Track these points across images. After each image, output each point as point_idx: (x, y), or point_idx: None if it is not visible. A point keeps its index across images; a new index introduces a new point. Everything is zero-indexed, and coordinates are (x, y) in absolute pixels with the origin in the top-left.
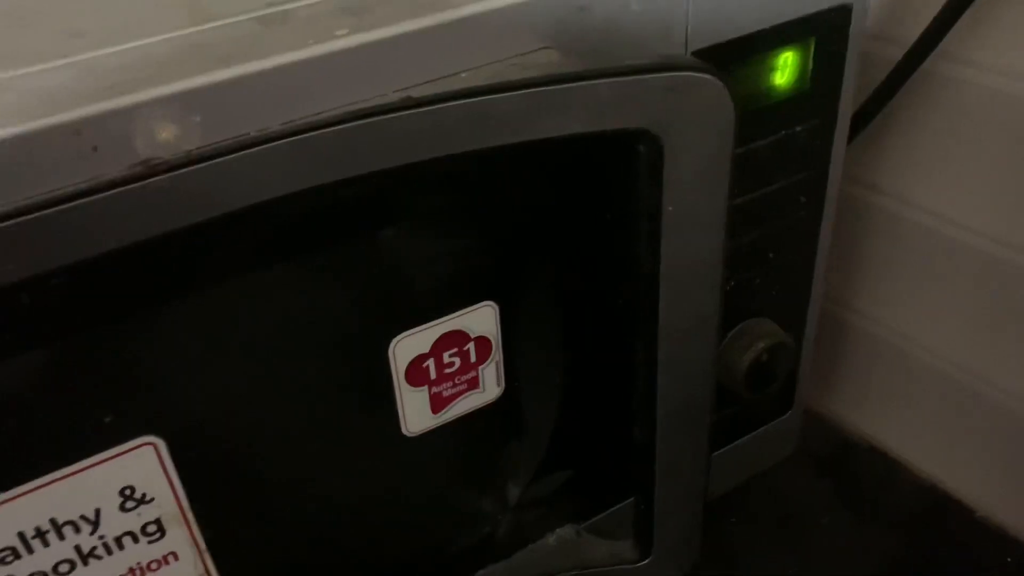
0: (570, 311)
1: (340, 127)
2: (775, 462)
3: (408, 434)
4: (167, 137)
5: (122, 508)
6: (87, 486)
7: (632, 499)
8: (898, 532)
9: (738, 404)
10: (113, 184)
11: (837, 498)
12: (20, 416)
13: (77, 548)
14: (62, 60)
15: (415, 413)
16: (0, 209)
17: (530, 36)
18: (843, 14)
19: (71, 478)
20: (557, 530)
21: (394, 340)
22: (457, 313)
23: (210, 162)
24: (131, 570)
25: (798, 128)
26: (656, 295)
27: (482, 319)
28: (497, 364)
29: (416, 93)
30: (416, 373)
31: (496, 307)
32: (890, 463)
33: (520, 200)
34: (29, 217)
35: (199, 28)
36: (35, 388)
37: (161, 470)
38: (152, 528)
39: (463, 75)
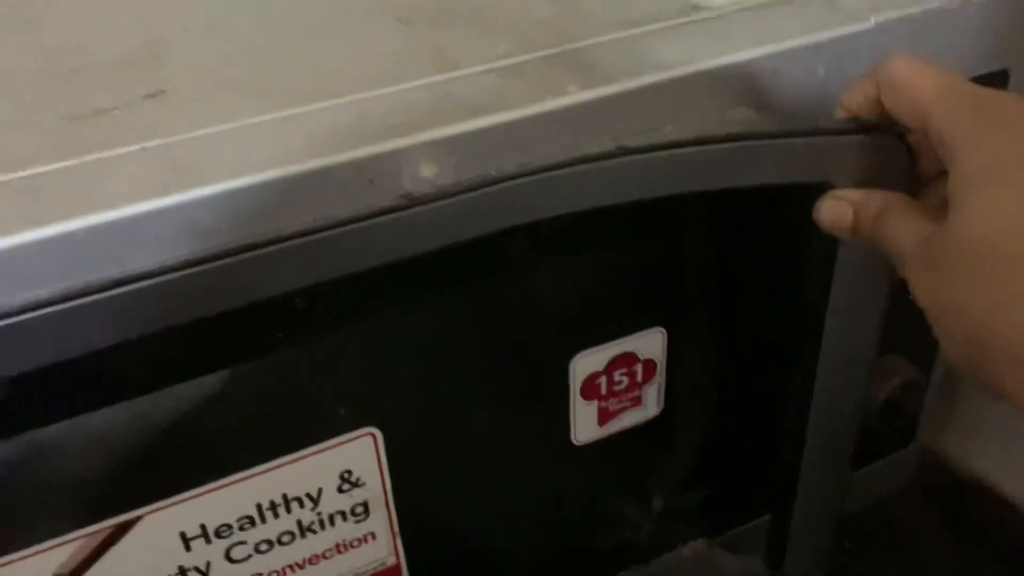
0: (733, 339)
1: (564, 171)
2: (891, 492)
3: (576, 443)
4: (427, 174)
5: (339, 489)
6: (316, 468)
7: (766, 516)
8: (1005, 567)
9: (866, 435)
10: (384, 211)
11: (946, 531)
12: (272, 404)
13: (299, 522)
14: (334, 100)
15: (584, 424)
16: (298, 228)
17: (729, 95)
18: (1001, 79)
19: (305, 460)
20: (691, 542)
21: (575, 357)
22: (630, 336)
23: (461, 196)
24: (337, 545)
25: None
26: (820, 330)
27: (651, 343)
28: (659, 385)
29: (630, 142)
30: (590, 388)
31: (665, 333)
32: (1001, 501)
33: (700, 236)
34: (322, 235)
35: (446, 77)
36: (291, 381)
37: (375, 458)
38: (359, 509)
39: (669, 128)
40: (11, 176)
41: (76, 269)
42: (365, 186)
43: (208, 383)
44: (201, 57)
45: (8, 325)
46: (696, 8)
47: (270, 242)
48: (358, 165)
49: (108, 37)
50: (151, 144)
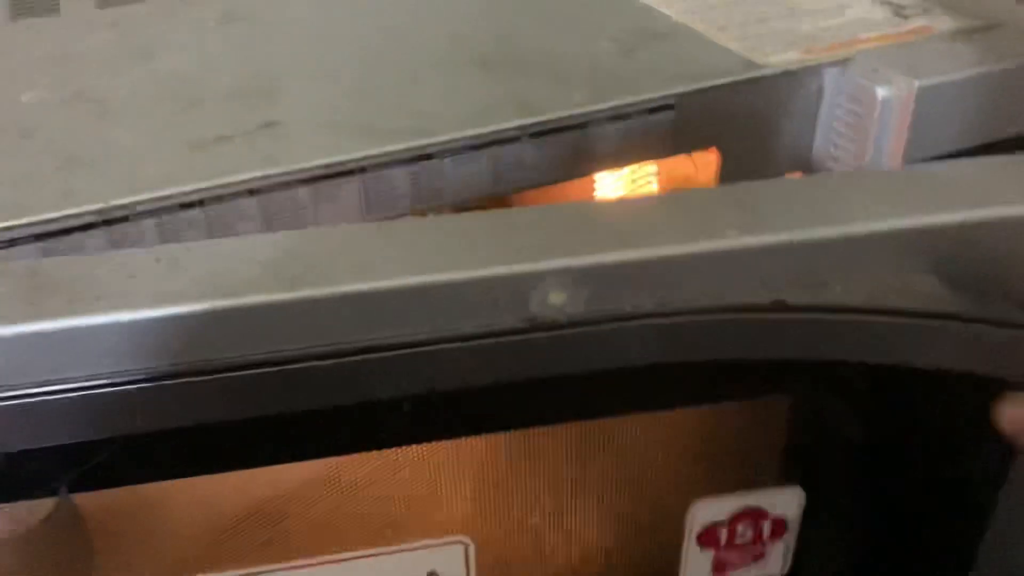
0: (878, 517)
1: (711, 317)
2: None
3: None
4: (557, 301)
5: None
6: (406, 563)
7: None
8: None
9: None
10: (508, 332)
11: None
12: (375, 495)
13: None
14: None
15: (696, 572)
16: (418, 337)
17: (914, 259)
18: None
19: (397, 554)
20: None
21: (696, 503)
22: (762, 491)
23: (589, 328)
24: None
25: None
26: (979, 537)
27: (785, 501)
28: (788, 545)
29: (790, 298)
30: (708, 537)
31: (803, 494)
32: None
33: (861, 402)
34: (442, 347)
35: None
36: (397, 477)
37: (464, 566)
38: None
39: (838, 288)
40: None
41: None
42: (489, 305)
43: (318, 467)
44: (306, 93)
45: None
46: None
47: (392, 347)
48: (486, 284)
49: (216, 70)
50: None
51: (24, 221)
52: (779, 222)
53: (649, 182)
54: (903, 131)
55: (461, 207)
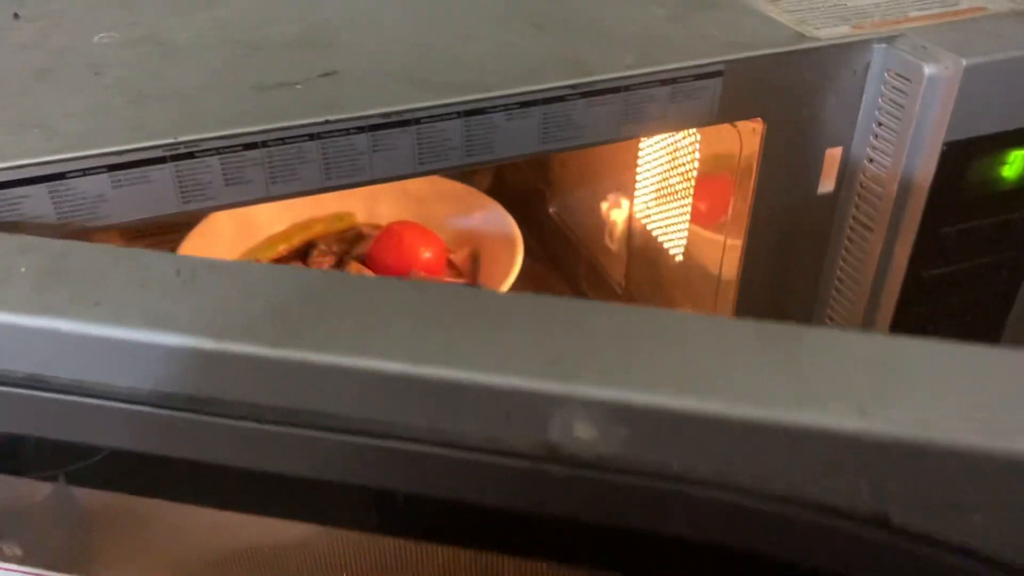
0: None
1: (787, 510)
2: None
3: None
4: (584, 436)
5: None
6: None
7: None
8: None
9: None
10: (513, 454)
11: None
12: None
13: None
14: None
15: None
16: (416, 433)
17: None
18: None
19: None
20: None
21: None
22: None
23: (620, 477)
24: None
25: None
26: None
27: None
28: None
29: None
30: None
31: None
32: None
33: None
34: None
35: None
36: None
37: None
38: None
39: None
40: None
41: None
42: (504, 420)
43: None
44: (364, 46)
45: None
46: None
47: (389, 436)
48: (499, 393)
49: (277, 20)
50: None
51: (96, 152)
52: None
53: (693, 151)
54: (947, 109)
55: (509, 160)
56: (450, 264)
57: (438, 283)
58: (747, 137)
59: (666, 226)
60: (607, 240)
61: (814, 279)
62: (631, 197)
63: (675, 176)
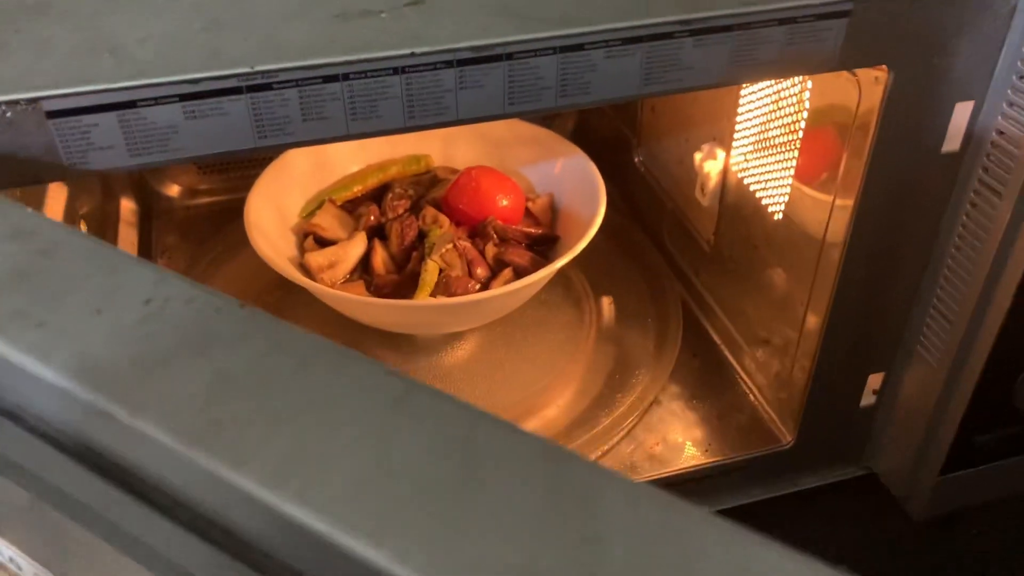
0: None
1: None
2: None
3: None
4: None
5: None
6: None
7: None
8: None
9: None
10: None
11: None
12: None
13: None
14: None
15: None
16: None
17: None
18: None
19: None
20: None
21: None
22: None
23: None
24: None
25: None
26: None
27: None
28: None
29: None
30: None
31: None
32: None
33: None
34: None
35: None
36: None
37: None
38: None
39: None
40: None
41: None
42: None
43: None
44: None
45: None
46: None
47: None
48: None
49: None
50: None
51: (169, 79)
52: None
53: (801, 100)
54: None
55: (605, 103)
56: (528, 213)
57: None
58: (868, 87)
59: (765, 181)
60: (698, 194)
61: (927, 249)
62: (728, 148)
63: (779, 127)
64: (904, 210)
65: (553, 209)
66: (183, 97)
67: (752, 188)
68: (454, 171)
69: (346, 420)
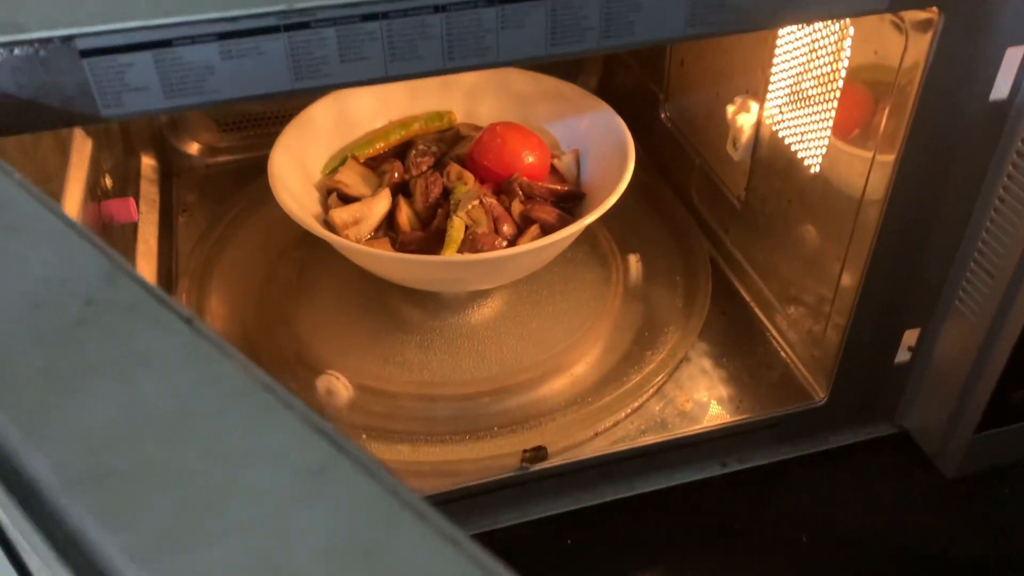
0: None
1: None
2: None
3: None
4: None
5: None
6: None
7: None
8: None
9: None
10: None
11: None
12: None
13: None
14: None
15: None
16: None
17: None
18: None
19: None
20: None
21: None
22: None
23: None
24: None
25: None
26: None
27: None
28: None
29: None
30: None
31: None
32: None
33: None
34: None
35: None
36: None
37: None
38: None
39: None
40: None
41: None
42: None
43: None
44: None
45: None
46: None
47: None
48: None
49: None
50: None
51: (206, 17)
52: None
53: (840, 49)
54: None
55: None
56: (553, 170)
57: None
58: (914, 34)
59: (801, 135)
60: (729, 148)
61: (970, 202)
62: (761, 101)
63: (816, 79)
64: (948, 163)
65: (579, 166)
66: (220, 36)
67: (787, 142)
68: (477, 128)
69: (246, 491)
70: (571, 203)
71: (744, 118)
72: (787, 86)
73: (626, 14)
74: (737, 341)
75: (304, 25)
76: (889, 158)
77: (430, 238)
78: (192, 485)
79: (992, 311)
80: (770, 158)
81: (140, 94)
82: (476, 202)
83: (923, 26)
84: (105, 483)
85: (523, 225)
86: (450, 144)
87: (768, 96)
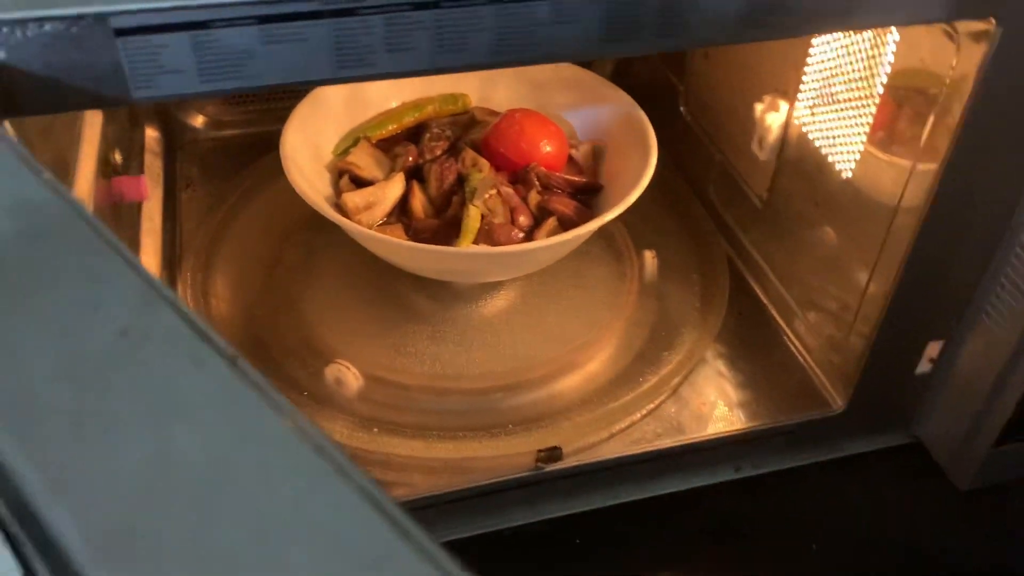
0: None
1: None
2: None
3: None
4: None
5: None
6: None
7: None
8: None
9: None
10: None
11: None
12: None
13: None
14: None
15: None
16: None
17: None
18: None
19: None
20: None
21: None
22: None
23: None
24: None
25: None
26: None
27: None
28: None
29: None
30: None
31: None
32: None
33: None
34: None
35: None
36: None
37: None
38: None
39: None
40: None
41: None
42: None
43: None
44: None
45: None
46: None
47: None
48: None
49: None
50: None
51: None
52: None
53: (881, 54)
54: None
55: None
56: (571, 160)
57: None
58: (967, 44)
59: (833, 138)
60: (755, 147)
61: (1008, 215)
62: (792, 101)
63: (853, 83)
64: (992, 175)
65: (597, 157)
66: (261, 20)
67: (817, 144)
68: (492, 112)
69: None
70: (589, 195)
71: (773, 117)
72: (820, 88)
73: (682, 12)
74: (754, 344)
75: (350, 11)
76: (931, 167)
77: (444, 226)
78: (225, 562)
79: (1022, 326)
80: (798, 160)
81: (174, 77)
82: (493, 191)
83: (977, 37)
84: (131, 548)
85: (540, 216)
86: (464, 128)
87: (799, 97)
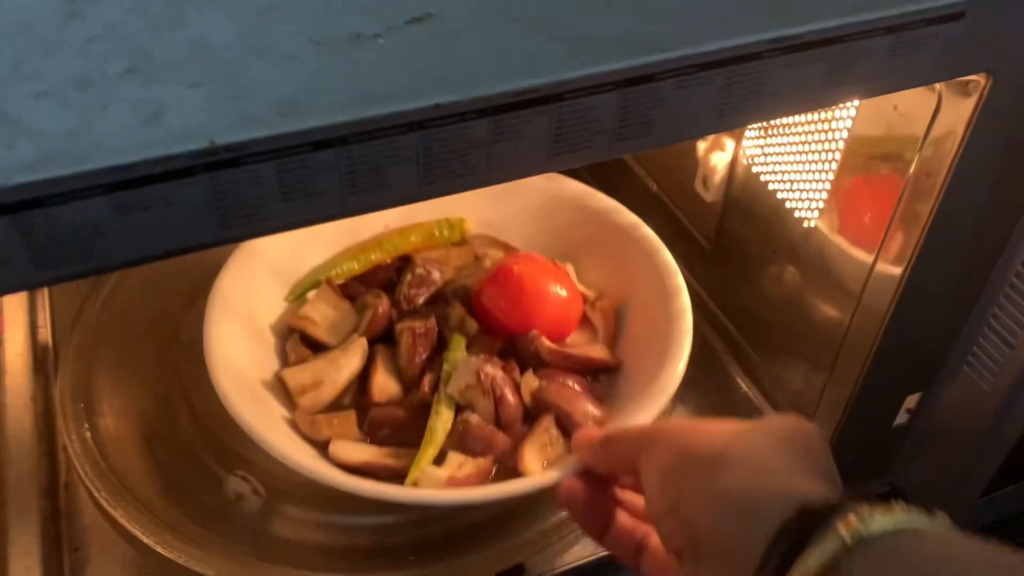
0: None
1: None
2: None
3: None
4: None
5: None
6: None
7: None
8: None
9: None
10: None
11: None
12: None
13: None
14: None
15: None
16: None
17: None
18: None
19: None
20: None
21: None
22: None
23: None
24: None
25: None
26: None
27: None
28: None
29: None
30: None
31: None
32: None
33: None
34: None
35: None
36: None
37: None
38: None
39: None
40: None
41: None
42: None
43: None
44: None
45: None
46: None
47: None
48: None
49: None
50: None
51: (89, 168)
52: None
53: (835, 130)
54: None
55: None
56: (584, 320)
57: None
58: (951, 98)
59: (790, 182)
60: (699, 186)
61: (991, 266)
62: (738, 139)
63: (811, 123)
64: (978, 230)
65: (619, 313)
66: (109, 188)
67: (771, 188)
68: (495, 242)
69: None
70: (602, 374)
71: (718, 157)
72: (771, 127)
73: (645, 111)
74: (715, 400)
75: (231, 162)
76: (912, 233)
77: (410, 416)
78: None
79: (1008, 379)
80: (749, 202)
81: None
82: (474, 380)
83: (964, 90)
84: None
85: (534, 410)
86: (457, 269)
87: (747, 133)
